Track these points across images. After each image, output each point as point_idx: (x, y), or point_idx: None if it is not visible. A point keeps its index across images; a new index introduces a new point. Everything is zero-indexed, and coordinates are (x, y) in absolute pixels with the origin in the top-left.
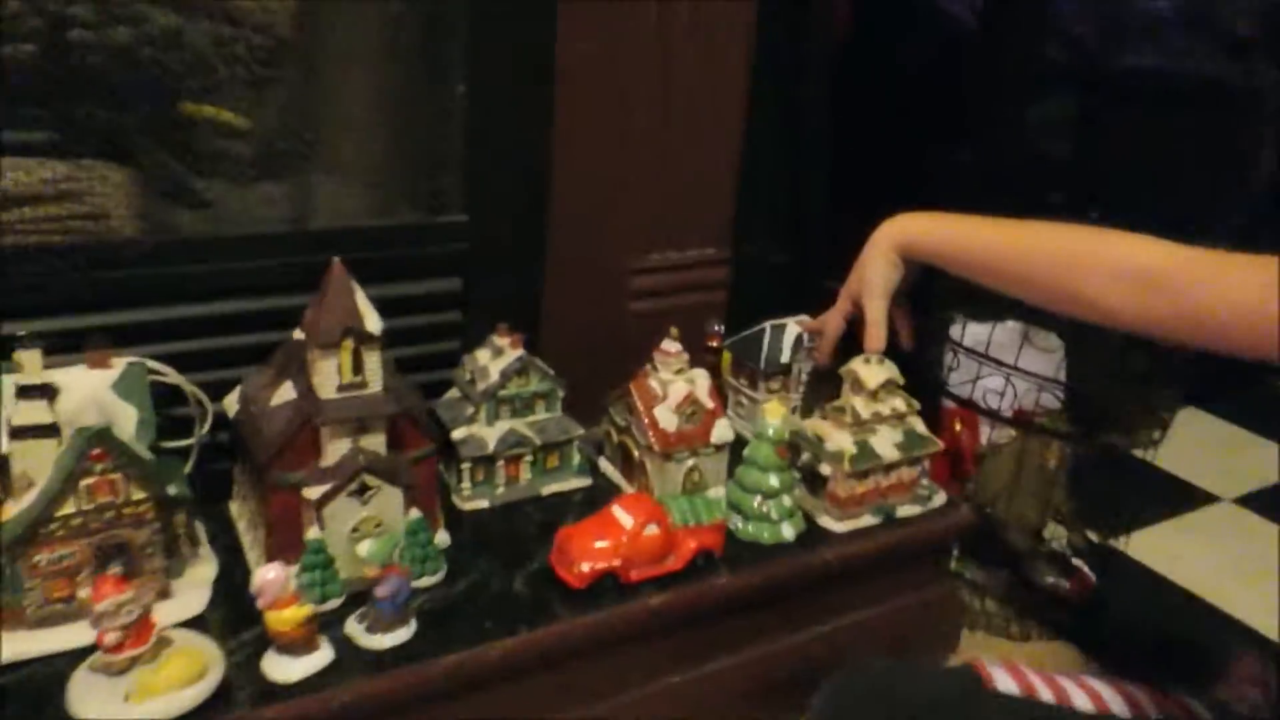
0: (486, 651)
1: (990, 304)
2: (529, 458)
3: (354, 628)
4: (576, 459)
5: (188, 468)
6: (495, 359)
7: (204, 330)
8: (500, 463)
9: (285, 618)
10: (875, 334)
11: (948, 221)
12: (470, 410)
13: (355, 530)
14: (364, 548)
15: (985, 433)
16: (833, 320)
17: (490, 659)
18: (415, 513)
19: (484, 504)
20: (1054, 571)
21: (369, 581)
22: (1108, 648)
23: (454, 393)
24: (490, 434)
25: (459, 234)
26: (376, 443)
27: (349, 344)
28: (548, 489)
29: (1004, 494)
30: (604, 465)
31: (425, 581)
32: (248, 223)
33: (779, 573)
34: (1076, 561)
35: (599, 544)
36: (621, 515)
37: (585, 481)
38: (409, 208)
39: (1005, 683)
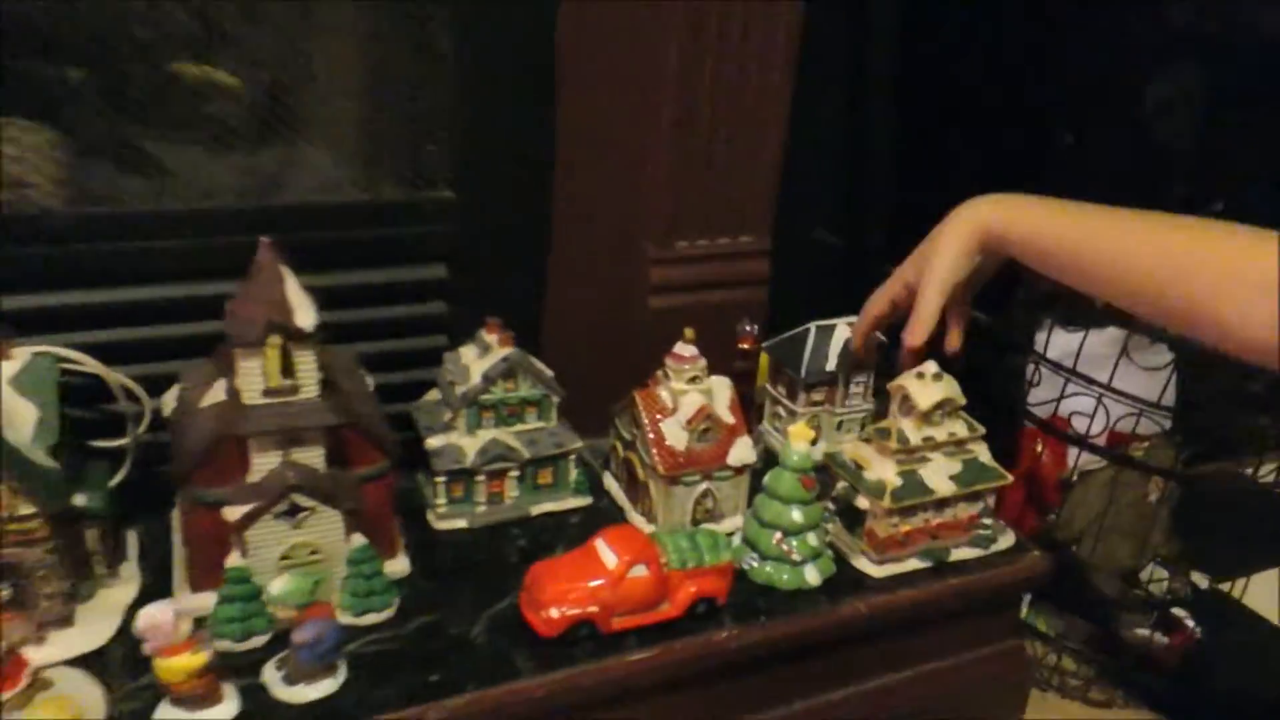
0: (423, 714)
1: (1085, 306)
2: (515, 473)
3: (271, 675)
4: (574, 475)
5: (121, 473)
6: (481, 358)
7: (150, 317)
8: (481, 478)
9: (176, 667)
10: (918, 329)
11: (1045, 208)
12: (448, 416)
13: (286, 558)
14: (277, 585)
15: (1073, 455)
16: (877, 301)
17: None
18: (359, 539)
19: (461, 524)
20: (1148, 624)
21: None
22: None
23: (434, 394)
24: (470, 444)
25: (445, 213)
26: (312, 457)
27: (276, 342)
28: (538, 509)
29: (1093, 529)
30: (609, 483)
31: (369, 619)
32: (196, 196)
33: (798, 626)
34: (1178, 612)
35: (575, 585)
36: (605, 552)
37: (584, 501)
38: (387, 182)
39: None
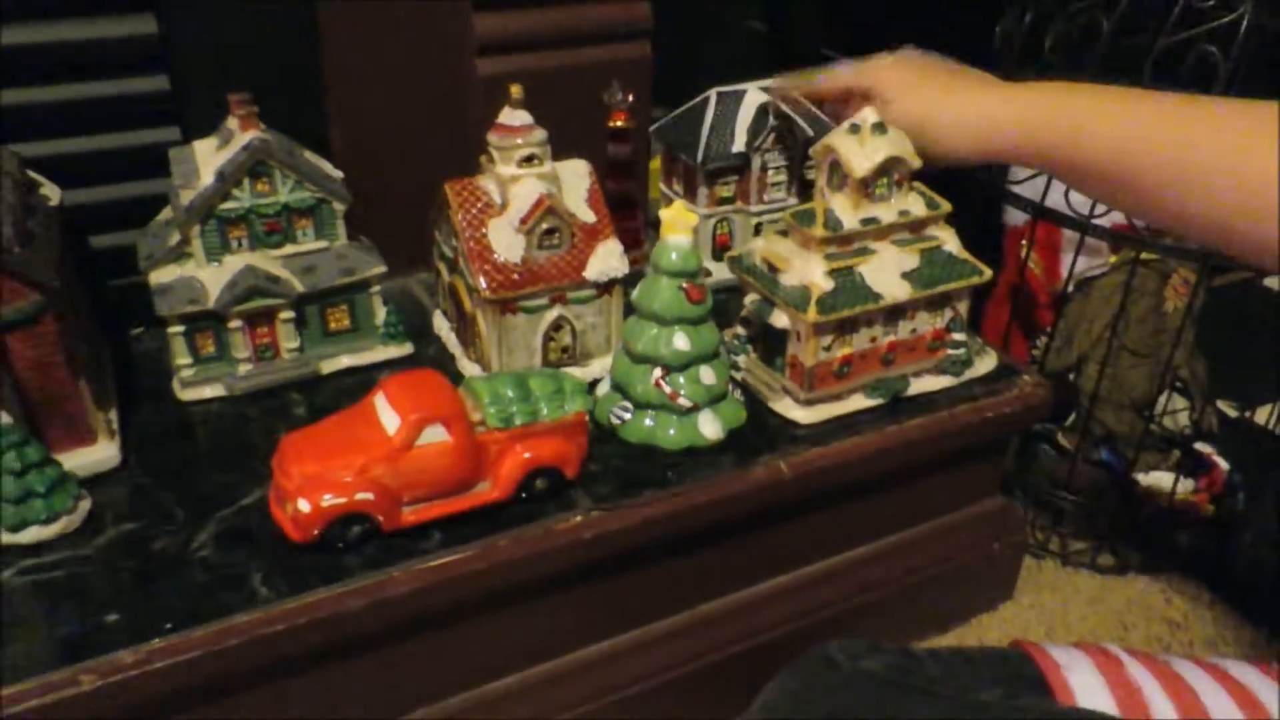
0: (74, 677)
1: (1074, 58)
2: (288, 314)
3: None
4: (381, 314)
5: None
6: (221, 151)
7: None
8: (237, 324)
9: None
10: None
11: (1100, 117)
12: (176, 238)
13: None
14: None
15: (1069, 261)
16: (814, 86)
17: (69, 702)
18: None
19: (218, 391)
20: (1169, 465)
21: None
22: (1252, 581)
23: (167, 213)
24: (213, 276)
25: None
26: None
27: None
28: (332, 364)
29: (1096, 351)
30: (439, 324)
31: (31, 535)
32: None
33: (690, 502)
34: (1203, 448)
35: (338, 462)
36: (383, 410)
37: (399, 350)
38: None
39: (1085, 684)
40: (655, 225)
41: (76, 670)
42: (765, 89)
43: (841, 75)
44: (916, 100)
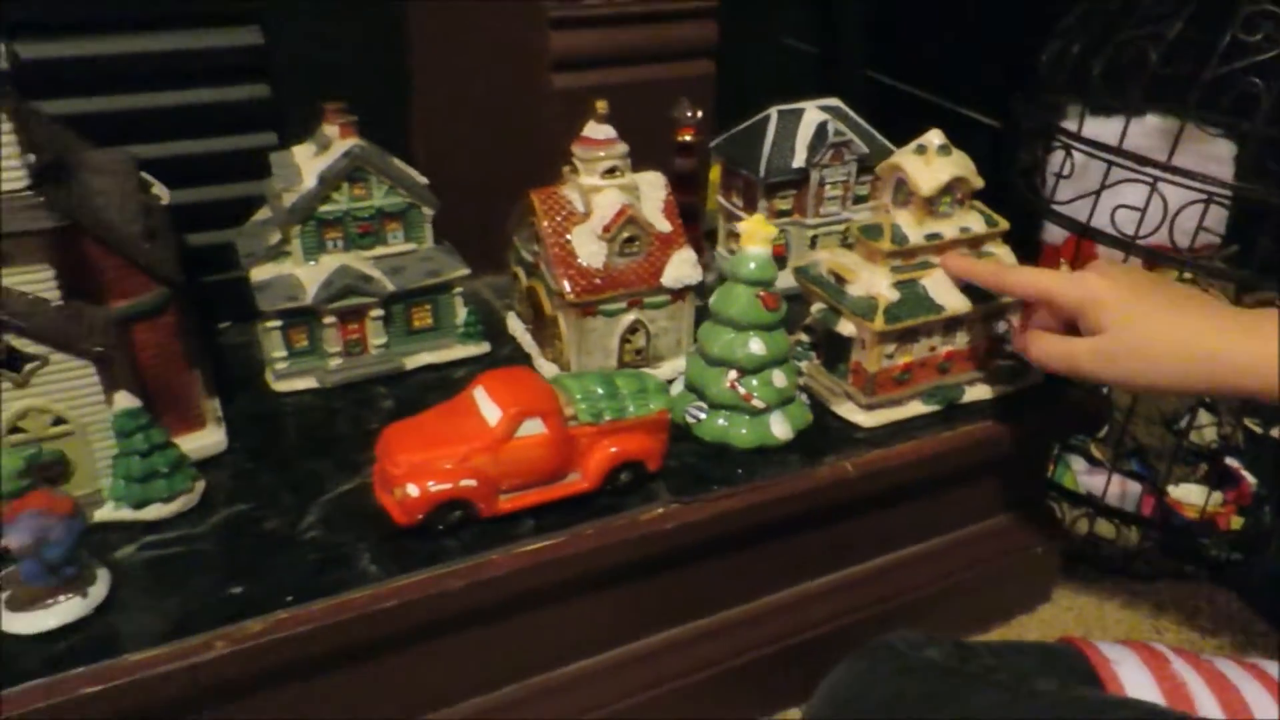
0: (209, 644)
1: (1119, 86)
2: (377, 312)
3: None
4: (462, 315)
5: None
6: (318, 156)
7: None
8: (330, 320)
9: None
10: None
11: None
12: (276, 238)
13: (18, 430)
14: None
15: None
16: (1021, 286)
17: (202, 666)
18: (125, 400)
19: (309, 384)
20: (1198, 478)
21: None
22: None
23: (264, 213)
24: (309, 274)
25: None
26: (34, 281)
27: None
28: (415, 360)
29: None
30: (513, 326)
31: (153, 512)
32: None
33: (762, 496)
34: (1231, 463)
35: (442, 452)
36: (484, 404)
37: (477, 349)
38: None
39: (1134, 678)
40: (710, 234)
41: (210, 636)
42: (942, 262)
43: (1043, 280)
44: (1138, 328)
